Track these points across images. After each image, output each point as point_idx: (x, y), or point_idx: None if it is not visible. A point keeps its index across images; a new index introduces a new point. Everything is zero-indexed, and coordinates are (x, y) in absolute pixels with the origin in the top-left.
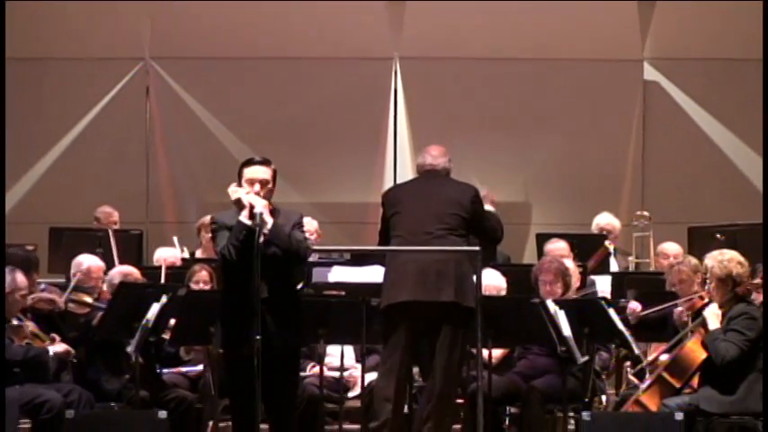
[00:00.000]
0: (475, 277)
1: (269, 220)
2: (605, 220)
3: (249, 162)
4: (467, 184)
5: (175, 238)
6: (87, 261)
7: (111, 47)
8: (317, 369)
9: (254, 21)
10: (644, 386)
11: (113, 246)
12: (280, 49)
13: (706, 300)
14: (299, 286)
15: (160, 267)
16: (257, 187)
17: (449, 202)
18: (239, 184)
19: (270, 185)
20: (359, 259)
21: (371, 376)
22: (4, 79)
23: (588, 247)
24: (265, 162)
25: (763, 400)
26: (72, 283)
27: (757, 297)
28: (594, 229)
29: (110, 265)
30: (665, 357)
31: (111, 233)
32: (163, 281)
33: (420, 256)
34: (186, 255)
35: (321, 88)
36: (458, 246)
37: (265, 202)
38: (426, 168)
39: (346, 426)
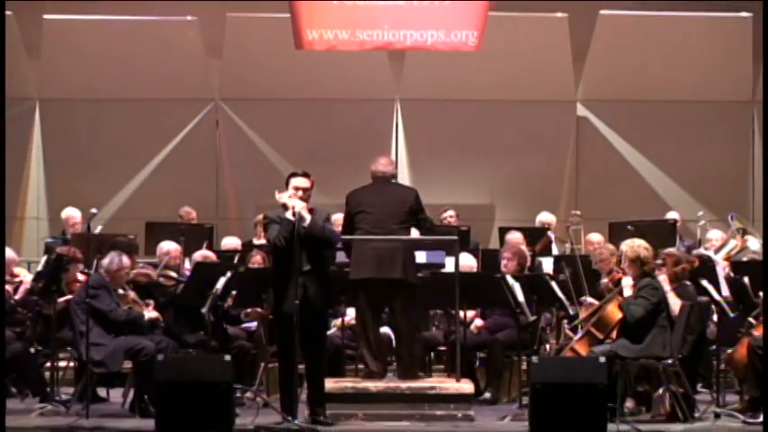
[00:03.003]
0: (454, 258)
1: (307, 217)
2: (545, 217)
3: (295, 174)
4: (409, 187)
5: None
6: (167, 246)
7: (191, 90)
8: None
9: (295, 72)
10: (577, 338)
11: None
12: (312, 92)
13: (621, 275)
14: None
15: (228, 250)
16: (300, 192)
17: (399, 202)
18: (286, 190)
19: (309, 191)
20: None
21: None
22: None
23: (536, 237)
24: (306, 174)
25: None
26: (162, 264)
27: (659, 274)
28: (537, 223)
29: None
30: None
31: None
32: (236, 261)
33: (377, 244)
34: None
35: (342, 121)
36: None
37: (304, 204)
38: (378, 175)
39: (360, 366)
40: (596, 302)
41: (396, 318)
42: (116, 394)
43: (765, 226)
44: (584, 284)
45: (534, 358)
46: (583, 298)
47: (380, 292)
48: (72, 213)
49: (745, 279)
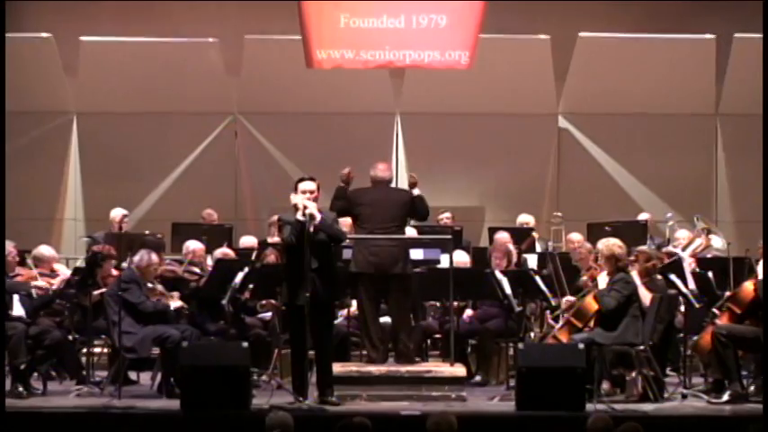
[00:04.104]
0: (448, 255)
1: (318, 216)
2: (524, 218)
3: (302, 179)
4: (405, 189)
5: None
6: (192, 245)
7: (212, 105)
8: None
9: (306, 88)
10: (558, 326)
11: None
12: (321, 106)
13: (598, 270)
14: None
15: (245, 248)
16: (308, 195)
17: (395, 205)
18: (296, 193)
19: (315, 194)
20: None
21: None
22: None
23: (521, 236)
24: (312, 179)
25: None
26: (187, 260)
27: (632, 270)
28: (517, 223)
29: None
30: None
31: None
32: (253, 258)
33: (378, 242)
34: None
35: (348, 133)
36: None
37: (314, 205)
38: (378, 179)
39: (364, 352)
40: (574, 299)
41: (392, 308)
42: (145, 377)
43: (765, 227)
44: (562, 280)
45: (520, 345)
46: (565, 298)
47: (379, 285)
48: (119, 213)
49: (710, 274)
